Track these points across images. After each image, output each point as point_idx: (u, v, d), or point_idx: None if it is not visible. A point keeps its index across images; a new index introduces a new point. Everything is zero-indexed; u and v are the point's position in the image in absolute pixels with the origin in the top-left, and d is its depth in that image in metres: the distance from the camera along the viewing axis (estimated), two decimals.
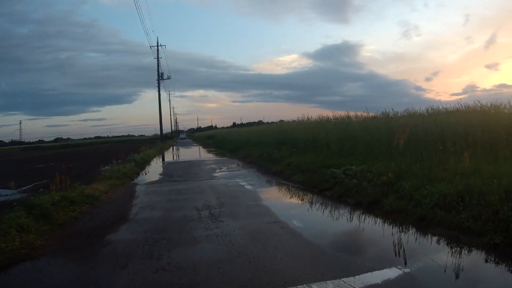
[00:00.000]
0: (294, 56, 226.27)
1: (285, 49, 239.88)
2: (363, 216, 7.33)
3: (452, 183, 6.99)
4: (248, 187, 11.59)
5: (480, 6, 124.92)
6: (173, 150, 42.54)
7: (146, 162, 23.35)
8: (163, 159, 28.35)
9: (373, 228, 6.56)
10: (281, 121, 30.85)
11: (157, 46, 50.89)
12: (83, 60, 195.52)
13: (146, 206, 9.26)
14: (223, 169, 17.43)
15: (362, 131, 13.07)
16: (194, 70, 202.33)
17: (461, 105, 10.74)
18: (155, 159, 27.46)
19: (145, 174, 17.68)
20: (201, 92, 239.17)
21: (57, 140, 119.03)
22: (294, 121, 22.74)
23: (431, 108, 11.93)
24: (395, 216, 6.89)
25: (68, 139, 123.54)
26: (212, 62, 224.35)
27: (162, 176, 16.01)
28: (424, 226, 6.18)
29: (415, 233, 6.01)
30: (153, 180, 14.94)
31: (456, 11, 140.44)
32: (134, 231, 6.91)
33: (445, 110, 11.29)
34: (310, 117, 20.12)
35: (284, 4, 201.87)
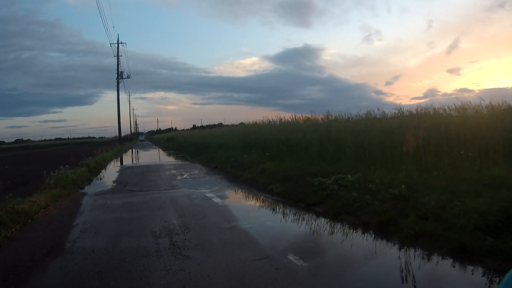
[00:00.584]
0: (255, 59, 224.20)
1: (246, 51, 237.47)
2: (380, 244, 5.62)
3: (482, 197, 5.51)
4: (217, 200, 9.66)
5: (444, 13, 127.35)
6: (131, 153, 40.04)
7: (101, 166, 21.27)
8: (120, 163, 26.10)
9: (405, 264, 4.74)
10: (241, 123, 29.04)
11: (117, 43, 49.43)
12: (45, 60, 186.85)
13: (89, 229, 7.20)
14: (185, 176, 15.48)
15: (350, 134, 11.39)
16: (155, 72, 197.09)
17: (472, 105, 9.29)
18: (111, 163, 25.18)
19: (98, 180, 15.68)
20: (161, 94, 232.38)
21: (17, 141, 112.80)
22: (263, 122, 20.94)
23: (433, 108, 10.49)
24: (422, 242, 5.22)
25: (28, 140, 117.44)
26: (173, 64, 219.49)
27: (115, 184, 13.83)
28: (468, 258, 4.57)
29: (466, 270, 4.40)
30: (104, 189, 12.80)
31: (419, 17, 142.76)
32: (67, 272, 4.91)
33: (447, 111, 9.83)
34: (283, 118, 18.47)
35: (246, 6, 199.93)
